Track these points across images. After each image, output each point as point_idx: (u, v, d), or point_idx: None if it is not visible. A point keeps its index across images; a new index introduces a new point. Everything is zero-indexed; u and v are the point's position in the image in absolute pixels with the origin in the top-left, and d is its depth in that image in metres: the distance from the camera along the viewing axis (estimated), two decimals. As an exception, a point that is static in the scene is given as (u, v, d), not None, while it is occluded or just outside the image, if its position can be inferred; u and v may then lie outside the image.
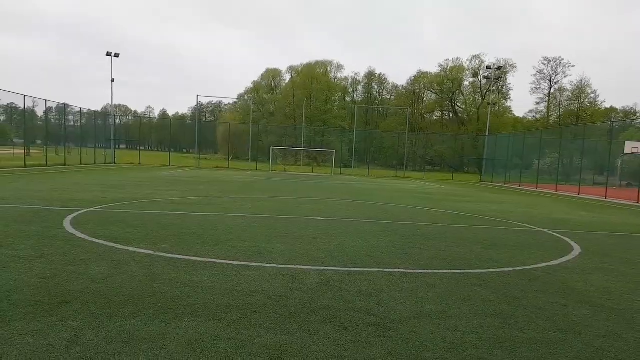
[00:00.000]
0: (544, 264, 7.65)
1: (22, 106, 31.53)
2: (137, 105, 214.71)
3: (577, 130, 44.78)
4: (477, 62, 74.17)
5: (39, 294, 4.76)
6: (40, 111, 40.40)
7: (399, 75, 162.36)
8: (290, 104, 79.86)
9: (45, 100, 33.84)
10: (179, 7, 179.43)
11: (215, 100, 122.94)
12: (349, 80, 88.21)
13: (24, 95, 29.93)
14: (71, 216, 9.97)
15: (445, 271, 6.75)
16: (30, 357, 3.40)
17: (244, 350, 3.69)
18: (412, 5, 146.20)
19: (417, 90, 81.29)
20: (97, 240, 7.59)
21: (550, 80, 71.67)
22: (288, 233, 9.35)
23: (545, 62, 71.30)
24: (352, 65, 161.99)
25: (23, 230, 8.19)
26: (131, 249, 7.11)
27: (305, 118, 66.74)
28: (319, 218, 11.87)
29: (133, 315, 4.31)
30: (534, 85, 72.81)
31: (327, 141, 65.64)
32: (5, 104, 35.05)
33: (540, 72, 71.76)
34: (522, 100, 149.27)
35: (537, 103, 73.63)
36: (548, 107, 71.96)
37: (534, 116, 73.76)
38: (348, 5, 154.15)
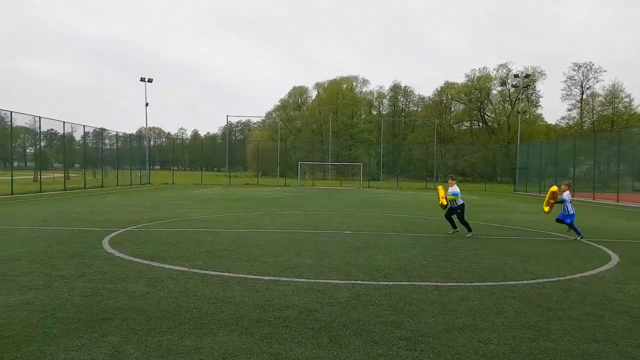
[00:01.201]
0: (580, 275, 7.49)
1: (62, 132, 32.95)
2: (170, 127, 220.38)
3: (612, 136, 43.38)
4: (505, 70, 73.22)
5: (81, 312, 4.98)
6: (78, 136, 42.03)
7: (424, 86, 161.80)
8: (317, 120, 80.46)
9: (84, 126, 35.24)
10: (209, 29, 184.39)
11: (244, 119, 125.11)
12: (374, 94, 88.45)
13: (64, 122, 31.31)
14: (109, 236, 10.34)
15: (477, 284, 6.69)
16: (75, 372, 3.57)
17: (276, 364, 3.77)
18: (435, 16, 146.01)
19: (445, 101, 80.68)
20: (134, 259, 7.87)
21: (581, 86, 69.96)
22: (317, 247, 9.44)
23: (576, 68, 69.76)
24: (377, 79, 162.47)
25: (65, 250, 8.55)
26: (167, 266, 7.35)
27: (332, 133, 67.06)
28: (348, 232, 11.92)
29: (170, 331, 4.47)
30: (565, 92, 71.20)
31: (354, 155, 65.67)
32: (45, 130, 36.72)
33: (571, 78, 70.21)
34: (554, 107, 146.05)
35: (569, 109, 71.86)
36: (581, 113, 70.10)
37: (566, 123, 71.97)
38: (372, 19, 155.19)
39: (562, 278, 7.22)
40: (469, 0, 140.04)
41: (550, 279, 7.12)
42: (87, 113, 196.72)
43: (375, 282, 6.58)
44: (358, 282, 6.60)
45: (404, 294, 5.99)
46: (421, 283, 6.62)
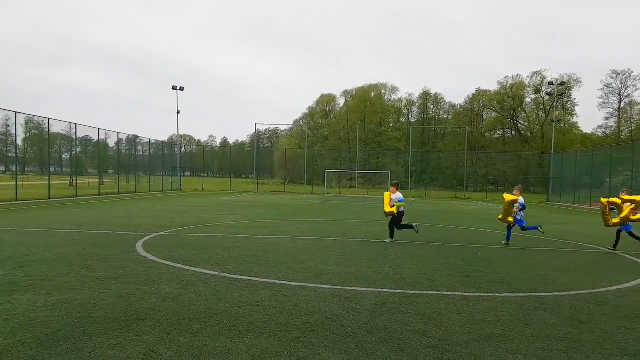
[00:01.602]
0: (614, 287, 7.31)
1: (96, 138, 34.05)
2: (200, 134, 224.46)
3: (652, 146, 41.95)
4: (539, 78, 71.62)
5: (116, 312, 5.17)
6: (111, 142, 43.35)
7: (455, 94, 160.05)
8: (345, 128, 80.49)
9: (118, 133, 36.33)
10: (239, 38, 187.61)
11: (272, 127, 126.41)
12: (403, 102, 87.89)
13: (99, 129, 32.37)
14: (142, 240, 10.65)
15: (507, 295, 6.61)
16: (111, 368, 3.73)
17: (303, 367, 3.85)
18: (465, 23, 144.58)
19: (476, 109, 79.51)
20: (166, 262, 8.09)
21: (619, 94, 67.80)
22: (344, 255, 9.49)
23: (614, 76, 67.71)
24: (406, 86, 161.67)
25: (100, 253, 8.86)
26: (197, 270, 7.54)
27: (360, 140, 67.01)
28: (374, 240, 11.92)
29: (201, 332, 4.60)
30: (602, 100, 69.14)
31: (382, 163, 65.40)
32: (80, 136, 38.18)
33: (608, 85, 68.10)
34: (591, 116, 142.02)
35: (607, 118, 69.65)
36: (619, 122, 67.88)
37: (603, 132, 69.84)
38: (401, 27, 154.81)
39: (594, 290, 7.06)
40: (502, 7, 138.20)
41: (582, 291, 6.98)
42: (120, 121, 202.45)
43: (402, 291, 6.59)
44: (385, 290, 6.62)
45: (431, 303, 5.98)
46: (449, 293, 6.58)
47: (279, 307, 5.52)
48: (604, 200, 11.71)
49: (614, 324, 5.35)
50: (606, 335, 4.94)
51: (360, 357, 4.10)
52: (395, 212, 11.66)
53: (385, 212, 11.87)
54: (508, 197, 11.78)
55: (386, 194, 11.89)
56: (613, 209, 11.35)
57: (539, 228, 12.18)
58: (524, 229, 12.17)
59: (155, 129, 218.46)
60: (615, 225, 11.29)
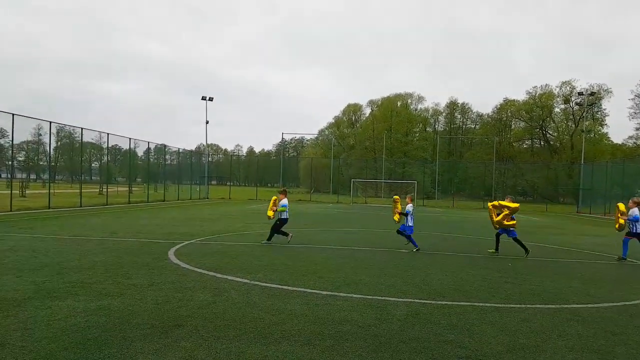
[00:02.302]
0: (647, 300, 7.16)
1: (124, 147, 34.93)
2: (227, 144, 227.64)
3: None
4: (568, 88, 70.28)
5: (154, 318, 5.33)
6: (140, 151, 44.38)
7: (482, 104, 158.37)
8: (370, 137, 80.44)
9: (148, 142, 37.22)
10: (265, 49, 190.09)
11: (298, 136, 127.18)
12: (430, 111, 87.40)
13: (130, 138, 33.25)
14: (174, 248, 10.89)
15: (539, 306, 6.55)
16: (153, 372, 3.86)
17: (339, 375, 3.91)
18: (493, 33, 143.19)
19: (504, 119, 78.42)
20: (199, 270, 8.28)
21: (651, 104, 65.95)
22: (373, 265, 9.52)
23: (644, 85, 65.90)
24: (433, 96, 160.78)
25: (134, 261, 9.10)
26: (230, 277, 7.69)
27: (386, 150, 66.83)
28: (403, 251, 11.90)
29: (237, 338, 4.71)
30: (632, 110, 67.31)
31: (408, 173, 64.98)
32: (110, 145, 39.27)
33: (639, 95, 66.42)
34: (622, 126, 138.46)
35: (637, 129, 67.79)
36: (650, 133, 66.01)
37: (634, 142, 67.90)
38: (427, 36, 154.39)
39: (627, 303, 6.95)
40: (529, 15, 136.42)
41: (615, 303, 6.88)
42: (149, 130, 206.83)
43: (433, 302, 6.59)
44: (416, 300, 6.63)
45: (463, 314, 5.97)
46: (480, 304, 6.56)
47: (311, 316, 5.60)
48: (490, 204, 12.38)
49: (648, 337, 5.26)
50: (640, 348, 4.87)
51: (395, 366, 4.14)
52: (272, 215, 12.35)
53: (267, 215, 12.52)
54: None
55: (274, 198, 12.46)
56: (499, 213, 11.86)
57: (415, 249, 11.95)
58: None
59: (184, 139, 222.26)
60: (498, 226, 11.89)
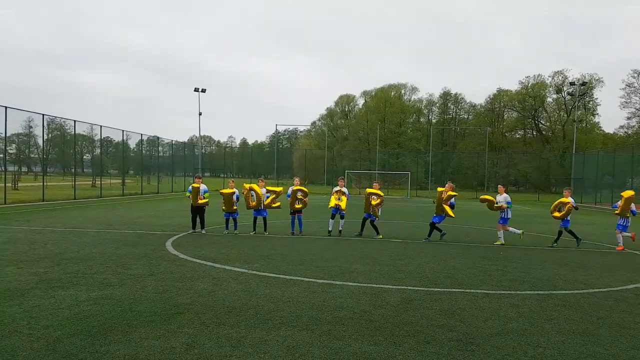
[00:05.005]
0: (632, 286, 7.46)
1: (117, 139, 34.77)
2: (220, 135, 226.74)
3: (676, 145, 41.13)
4: (560, 78, 70.67)
5: (156, 306, 5.49)
6: (132, 144, 44.12)
7: (475, 94, 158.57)
8: (364, 128, 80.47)
9: (141, 134, 37.08)
10: (258, 39, 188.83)
11: (291, 127, 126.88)
12: (424, 102, 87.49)
13: (123, 130, 33.13)
14: (171, 239, 11.04)
15: (528, 292, 6.78)
16: (158, 357, 4.02)
17: (336, 357, 4.11)
18: (486, 24, 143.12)
19: (497, 109, 78.75)
20: (197, 260, 8.44)
21: (641, 94, 66.55)
22: (367, 254, 9.72)
23: (635, 75, 66.37)
24: (426, 86, 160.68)
25: (132, 252, 9.24)
26: (228, 267, 7.87)
27: (379, 141, 67.01)
28: (397, 240, 12.12)
29: (237, 325, 4.89)
30: (623, 100, 67.87)
31: (402, 164, 65.21)
32: (102, 137, 39.05)
33: (630, 85, 66.77)
34: (613, 115, 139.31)
35: (629, 118, 68.30)
36: (641, 122, 66.67)
37: (625, 132, 68.54)
38: (420, 26, 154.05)
39: (613, 289, 7.21)
40: (523, 6, 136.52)
41: (601, 289, 7.14)
42: (141, 122, 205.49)
43: (425, 288, 6.81)
44: (409, 287, 6.85)
45: (454, 300, 6.18)
46: (472, 290, 6.78)
47: (309, 303, 5.79)
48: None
49: (631, 320, 5.53)
50: (623, 330, 5.12)
51: (390, 349, 4.34)
52: (196, 202, 12.62)
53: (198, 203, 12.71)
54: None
55: (195, 185, 12.83)
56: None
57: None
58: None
59: (176, 130, 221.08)
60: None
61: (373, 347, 4.36)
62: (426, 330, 4.92)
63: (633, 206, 11.68)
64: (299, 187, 12.74)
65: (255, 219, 12.76)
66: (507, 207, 12.09)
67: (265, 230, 12.64)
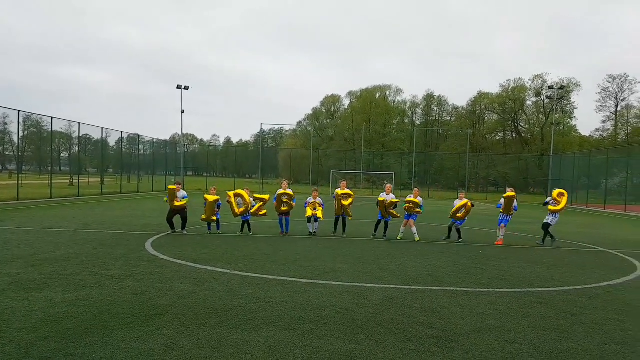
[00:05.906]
0: (605, 283, 7.66)
1: (96, 137, 34.05)
2: (203, 133, 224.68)
3: (647, 148, 42.22)
4: (540, 81, 72.00)
5: (134, 308, 5.40)
6: (112, 141, 43.43)
7: (458, 96, 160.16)
8: (350, 129, 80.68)
9: (121, 132, 36.53)
10: (241, 37, 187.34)
11: (276, 127, 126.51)
12: (408, 103, 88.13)
13: (102, 128, 32.58)
14: (151, 239, 10.89)
15: (506, 290, 6.91)
16: (136, 359, 3.95)
17: (318, 356, 4.12)
18: (469, 28, 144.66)
19: (478, 111, 79.79)
20: (178, 261, 8.34)
21: (616, 98, 68.10)
22: (351, 254, 9.75)
23: (610, 80, 68.03)
24: (411, 88, 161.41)
25: (110, 252, 9.06)
26: (209, 268, 7.80)
27: (364, 142, 67.25)
28: (380, 240, 12.18)
29: (218, 325, 4.86)
30: (599, 104, 69.51)
31: (386, 164, 65.58)
32: (80, 135, 38.34)
33: (605, 89, 68.43)
34: (589, 119, 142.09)
35: (604, 121, 70.05)
36: (615, 126, 68.20)
37: (600, 135, 70.19)
38: (410, 27, 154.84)
39: (587, 286, 7.40)
40: (505, 9, 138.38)
41: (576, 287, 7.31)
42: (121, 119, 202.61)
43: (407, 287, 6.86)
44: (391, 286, 6.90)
45: (435, 298, 6.25)
46: (451, 288, 6.86)
47: (292, 303, 5.79)
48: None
49: (604, 316, 5.68)
50: (596, 326, 5.27)
51: (371, 347, 4.37)
52: (173, 204, 12.38)
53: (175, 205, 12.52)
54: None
55: (171, 187, 12.70)
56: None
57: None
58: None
59: (158, 128, 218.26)
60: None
61: (355, 346, 4.37)
62: (407, 328, 4.96)
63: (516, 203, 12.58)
64: (284, 192, 12.66)
65: (243, 223, 12.64)
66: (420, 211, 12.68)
67: (250, 230, 12.57)
